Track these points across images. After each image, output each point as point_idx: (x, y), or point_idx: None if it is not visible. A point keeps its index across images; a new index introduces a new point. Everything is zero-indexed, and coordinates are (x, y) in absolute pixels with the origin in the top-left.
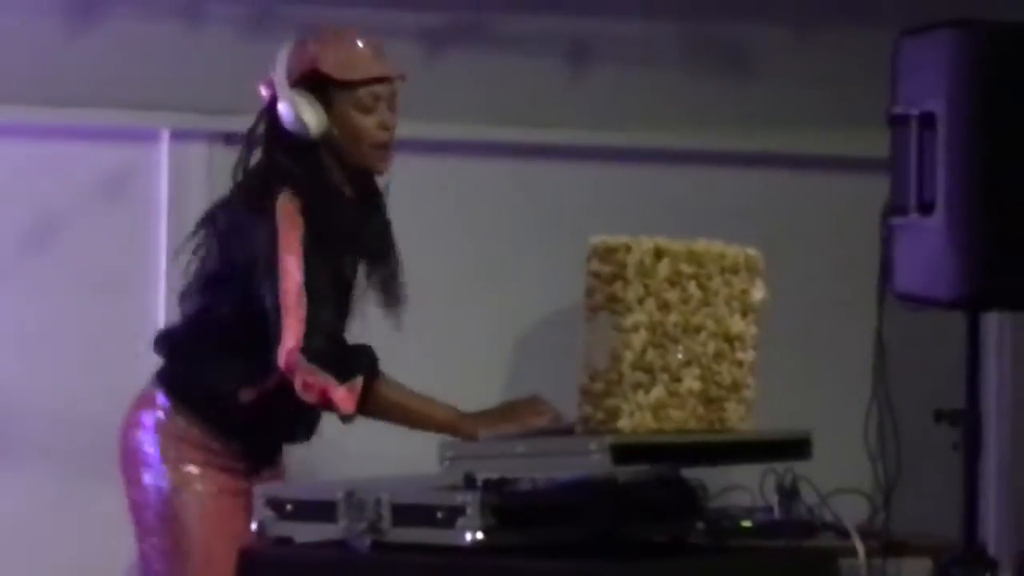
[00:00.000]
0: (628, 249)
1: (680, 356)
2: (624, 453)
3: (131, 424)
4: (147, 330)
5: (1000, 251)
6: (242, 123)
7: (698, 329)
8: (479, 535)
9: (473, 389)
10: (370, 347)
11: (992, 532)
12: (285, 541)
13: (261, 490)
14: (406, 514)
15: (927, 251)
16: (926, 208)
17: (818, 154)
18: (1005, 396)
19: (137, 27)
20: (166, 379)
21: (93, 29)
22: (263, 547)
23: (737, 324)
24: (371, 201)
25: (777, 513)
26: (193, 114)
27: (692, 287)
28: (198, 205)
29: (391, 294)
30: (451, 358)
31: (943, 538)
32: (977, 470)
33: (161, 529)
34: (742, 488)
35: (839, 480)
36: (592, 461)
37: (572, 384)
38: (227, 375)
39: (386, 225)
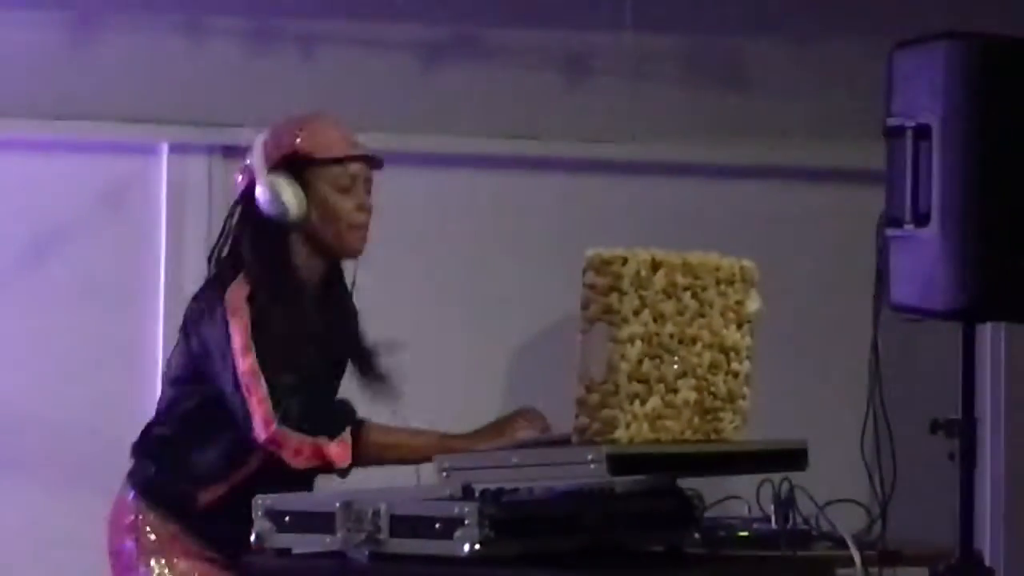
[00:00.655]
0: (624, 261)
1: (676, 367)
2: (621, 463)
3: (112, 529)
4: (146, 342)
5: (995, 262)
6: (241, 137)
7: (694, 340)
8: (477, 546)
9: (469, 401)
10: (344, 400)
11: (988, 541)
12: (284, 552)
13: (259, 501)
14: (404, 525)
15: (922, 262)
16: (921, 220)
17: (813, 166)
18: (1000, 406)
19: (136, 41)
20: (135, 479)
21: (92, 43)
22: (262, 558)
23: (732, 335)
24: (335, 291)
25: (773, 523)
26: (192, 127)
27: (688, 298)
28: (197, 218)
29: (370, 381)
30: (447, 370)
31: (939, 548)
32: (973, 480)
33: None
34: (738, 498)
35: (835, 490)
36: (589, 471)
37: (568, 395)
38: (189, 476)
39: (349, 316)
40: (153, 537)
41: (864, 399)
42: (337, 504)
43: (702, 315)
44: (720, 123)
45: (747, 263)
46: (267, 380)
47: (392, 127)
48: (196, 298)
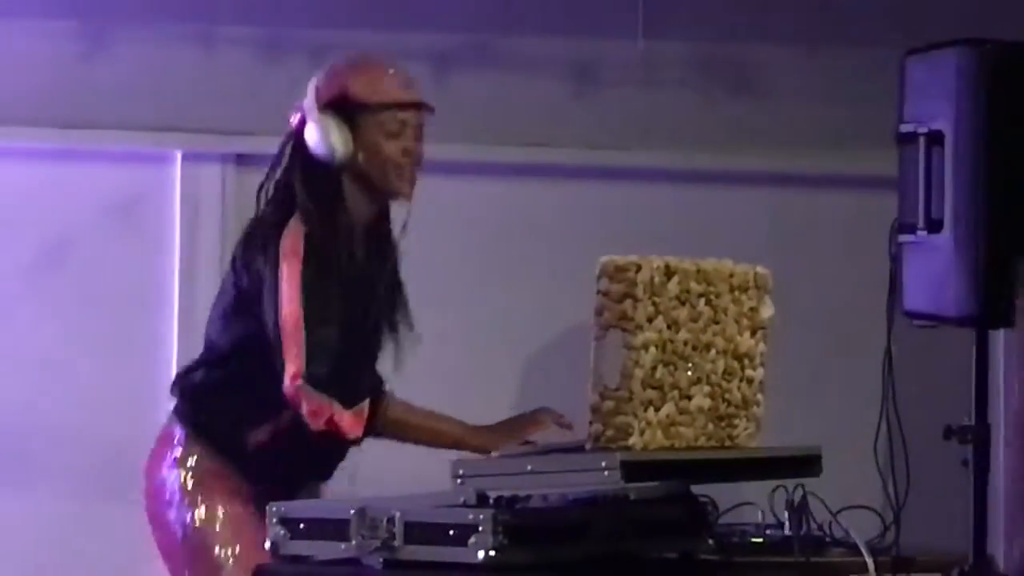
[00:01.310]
0: (638, 268)
1: (690, 374)
2: (635, 470)
3: (152, 463)
4: (160, 350)
5: (1008, 268)
6: (254, 145)
7: (708, 347)
8: (491, 552)
9: (483, 408)
10: (375, 371)
11: (1001, 547)
12: (298, 559)
13: (274, 508)
14: (418, 532)
15: (935, 269)
16: (934, 226)
17: (826, 173)
18: (1013, 412)
19: (149, 50)
20: (182, 415)
21: (105, 53)
22: (277, 566)
23: (746, 342)
24: (382, 231)
25: (787, 529)
26: (205, 136)
27: (701, 305)
28: (210, 226)
29: (395, 328)
30: (461, 378)
31: (953, 554)
32: (987, 486)
33: (193, 565)
34: (751, 504)
35: (849, 496)
36: (603, 478)
37: (583, 402)
38: (238, 415)
39: (393, 260)
40: (199, 474)
41: (877, 405)
42: (351, 511)
43: (716, 322)
44: (731, 130)
45: (761, 270)
46: (308, 332)
47: None
48: (250, 234)
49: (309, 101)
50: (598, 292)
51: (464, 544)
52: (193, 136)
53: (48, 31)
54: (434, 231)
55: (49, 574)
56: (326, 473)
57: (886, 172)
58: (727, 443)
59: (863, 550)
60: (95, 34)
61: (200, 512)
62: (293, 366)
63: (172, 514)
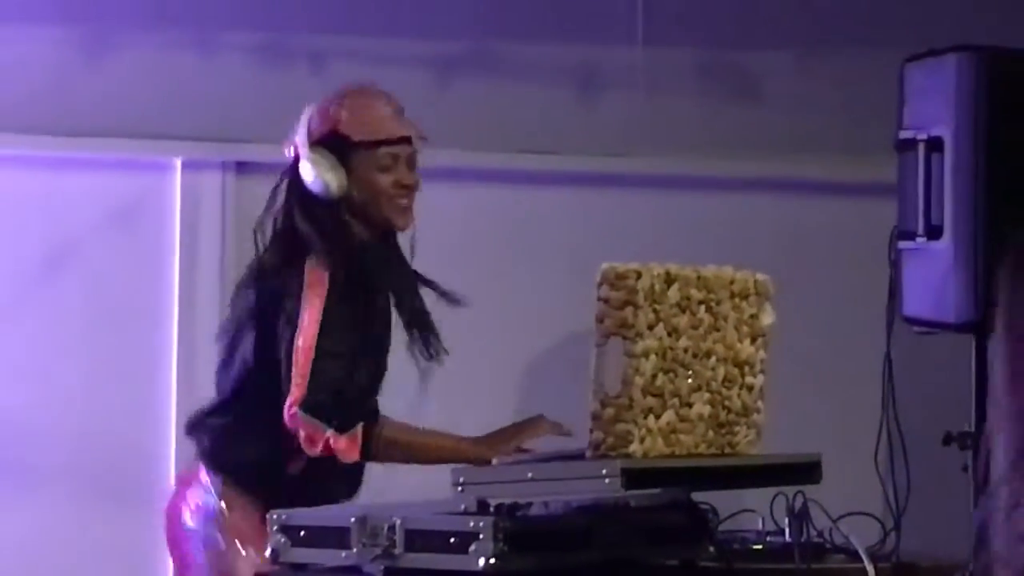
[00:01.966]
0: (638, 275)
1: (690, 381)
2: (635, 477)
3: (178, 506)
4: (160, 357)
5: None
6: (254, 152)
7: (708, 354)
8: (492, 560)
9: (484, 415)
10: (370, 397)
11: None
12: (299, 567)
13: (274, 516)
14: (419, 539)
15: (935, 275)
16: (934, 232)
17: (826, 179)
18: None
19: (149, 57)
20: (210, 457)
21: (105, 60)
22: (278, 573)
23: (747, 349)
24: (393, 251)
25: (787, 536)
26: (205, 143)
27: (702, 312)
28: (210, 234)
29: (424, 331)
30: (462, 385)
31: (954, 560)
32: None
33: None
34: (752, 512)
35: (849, 503)
36: (604, 486)
37: (583, 409)
38: (271, 451)
39: (409, 271)
40: (223, 516)
41: (878, 412)
42: (352, 519)
43: (716, 329)
44: (733, 136)
45: (761, 277)
46: (315, 361)
47: None
48: (259, 272)
49: (301, 137)
50: (598, 299)
51: (465, 552)
52: (193, 144)
53: (48, 38)
54: (435, 238)
55: None
56: (355, 491)
57: (886, 178)
58: (727, 450)
59: (864, 557)
60: (95, 41)
61: (232, 555)
62: (293, 393)
63: (202, 557)
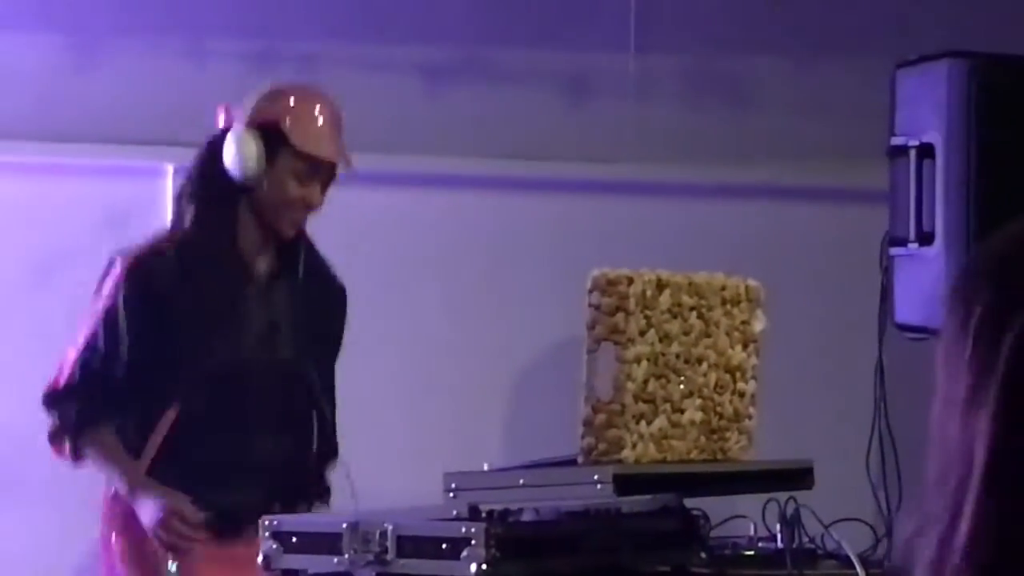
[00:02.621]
0: (630, 281)
1: (682, 387)
2: (627, 483)
3: (104, 520)
4: None
5: None
6: None
7: (699, 360)
8: (484, 566)
9: (476, 420)
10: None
11: None
12: (291, 573)
13: (266, 522)
14: (411, 545)
15: (927, 281)
16: (925, 238)
17: (817, 185)
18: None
19: (140, 64)
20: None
21: (96, 66)
22: None
23: (738, 355)
24: (284, 263)
25: (779, 542)
26: (196, 150)
27: (693, 318)
28: None
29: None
30: (453, 390)
31: None
32: None
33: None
34: (744, 517)
35: (841, 509)
36: (595, 492)
37: (574, 415)
38: (126, 437)
39: (292, 292)
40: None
41: (870, 418)
42: (344, 525)
43: (708, 335)
44: (724, 143)
45: (752, 283)
46: (83, 356)
47: (395, 148)
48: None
49: (241, 115)
50: (590, 305)
51: (457, 558)
52: (184, 150)
53: (38, 45)
54: (425, 244)
55: None
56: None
57: (877, 185)
58: (719, 456)
59: (855, 563)
60: (85, 48)
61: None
62: (56, 377)
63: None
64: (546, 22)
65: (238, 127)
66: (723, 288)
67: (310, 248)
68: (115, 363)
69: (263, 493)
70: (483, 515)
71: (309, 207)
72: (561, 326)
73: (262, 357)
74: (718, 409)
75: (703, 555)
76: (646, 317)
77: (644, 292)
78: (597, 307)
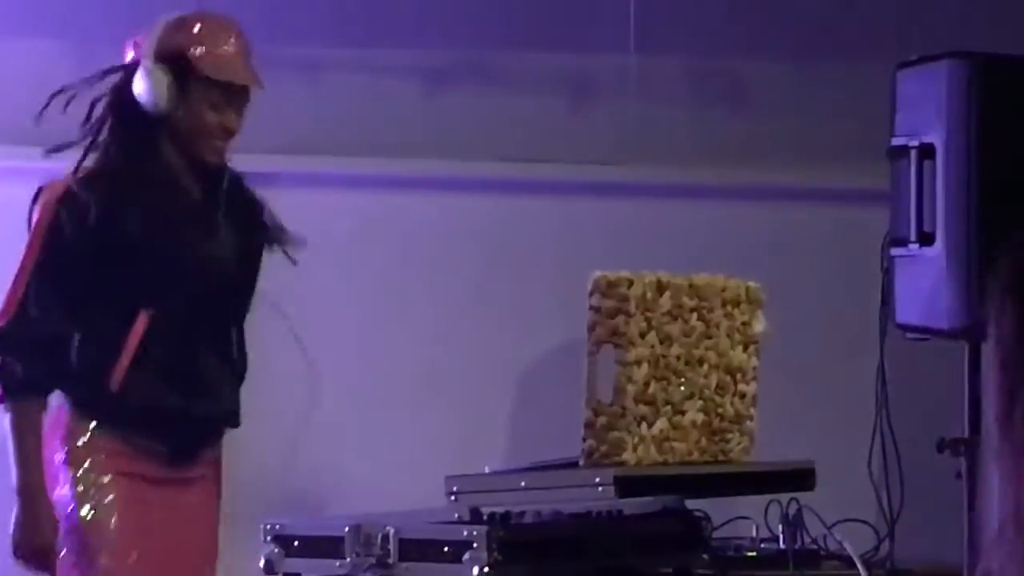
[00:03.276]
0: (630, 283)
1: (683, 389)
2: (629, 485)
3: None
4: None
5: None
6: (248, 162)
7: (700, 362)
8: (486, 569)
9: (477, 424)
10: (47, 365)
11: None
12: None
13: (267, 526)
14: (413, 548)
15: (927, 281)
16: (926, 239)
17: (818, 186)
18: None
19: None
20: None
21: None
22: None
23: (739, 356)
24: (208, 188)
25: (781, 543)
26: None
27: (694, 320)
28: None
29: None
30: (454, 395)
31: (948, 566)
32: None
33: (70, 545)
34: (746, 519)
35: (843, 510)
36: (597, 494)
37: (576, 418)
38: (91, 369)
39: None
40: (79, 449)
41: (871, 419)
42: (346, 528)
43: (708, 337)
44: (725, 144)
45: (753, 284)
46: (19, 308)
47: (397, 152)
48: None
49: (146, 49)
50: (590, 308)
51: (459, 561)
52: None
53: (38, 51)
54: (427, 246)
55: None
56: (204, 412)
57: (878, 186)
58: (721, 458)
59: (858, 563)
60: (87, 52)
61: (83, 494)
62: (6, 308)
63: (56, 492)
64: (547, 24)
65: (146, 61)
66: (724, 290)
67: (232, 172)
68: (66, 284)
69: (228, 403)
70: (485, 518)
71: (228, 133)
72: (562, 328)
73: (215, 270)
74: (719, 410)
75: (705, 556)
76: (647, 319)
77: (645, 294)
78: (598, 309)
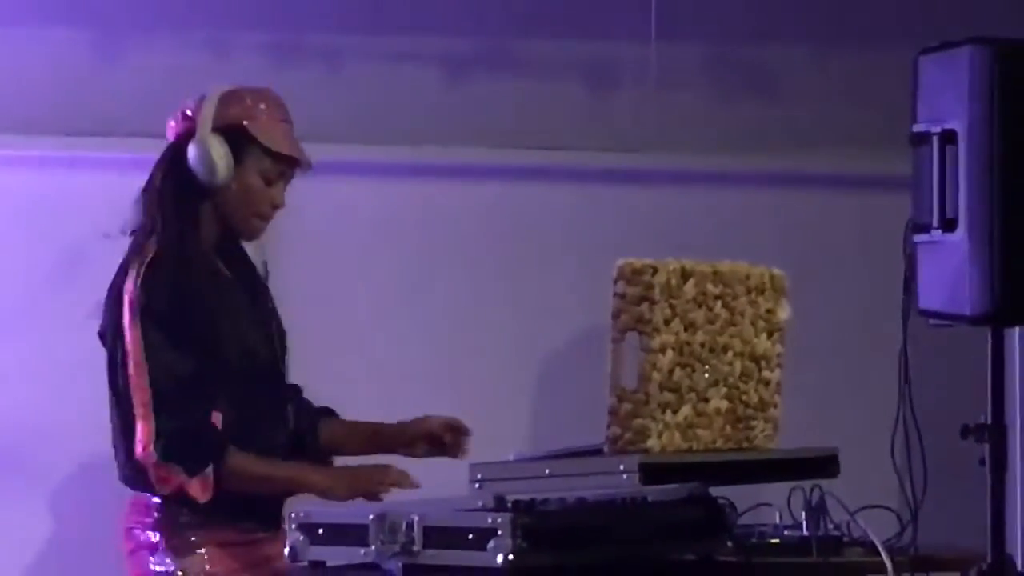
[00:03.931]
0: (655, 271)
1: (707, 376)
2: (653, 472)
3: (128, 523)
4: None
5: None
6: None
7: (725, 349)
8: (511, 556)
9: (501, 412)
10: (215, 430)
11: (1020, 546)
12: (318, 565)
13: (293, 514)
14: (438, 536)
15: (950, 268)
16: (948, 225)
17: (840, 173)
18: None
19: (160, 57)
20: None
21: (116, 60)
22: (296, 572)
23: (763, 343)
24: (239, 268)
25: (805, 530)
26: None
27: (718, 307)
28: None
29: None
30: (478, 381)
31: (971, 553)
32: (1004, 485)
33: None
34: (769, 506)
35: (866, 496)
36: (622, 481)
37: (600, 405)
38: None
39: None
40: (172, 527)
41: (894, 405)
42: (371, 516)
43: (733, 324)
44: (746, 131)
45: (777, 272)
46: (156, 393)
47: (417, 140)
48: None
49: (203, 118)
50: (615, 295)
51: (483, 548)
52: None
53: (58, 39)
54: (449, 235)
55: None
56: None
57: (900, 172)
58: (745, 445)
59: (881, 550)
60: (105, 42)
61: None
62: (143, 433)
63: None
64: (568, 12)
65: (204, 131)
66: (748, 277)
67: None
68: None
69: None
70: (509, 505)
71: (275, 207)
72: (585, 316)
73: (264, 353)
74: (743, 398)
75: (729, 543)
76: (671, 306)
77: (669, 281)
78: (622, 296)
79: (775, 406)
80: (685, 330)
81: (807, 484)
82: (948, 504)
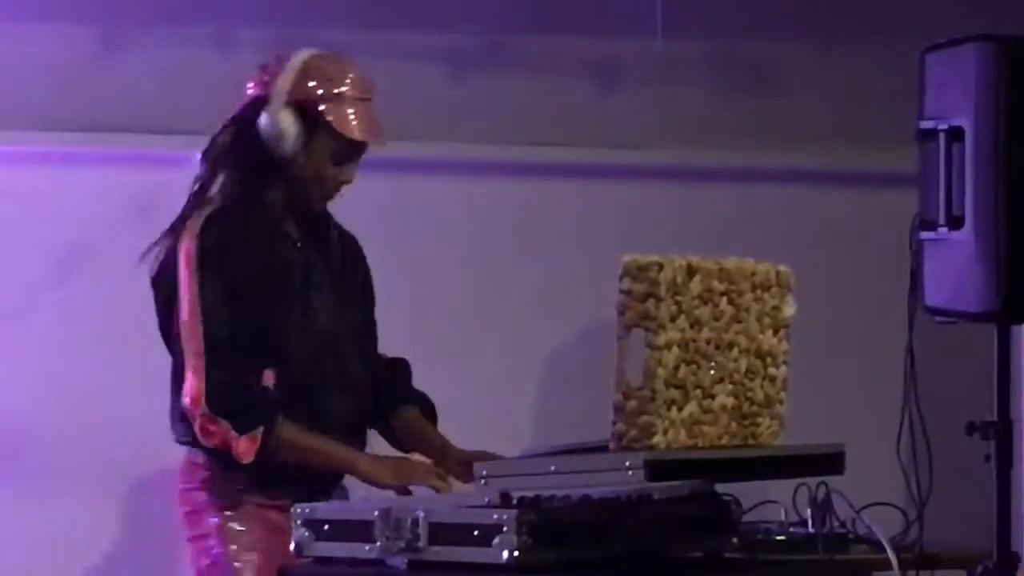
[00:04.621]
0: (660, 267)
1: (713, 372)
2: (659, 469)
3: (182, 487)
4: None
5: None
6: None
7: (730, 345)
8: (516, 552)
9: (506, 408)
10: (273, 393)
11: None
12: (323, 560)
13: (298, 510)
14: (443, 532)
15: (956, 265)
16: (955, 222)
17: (846, 170)
18: None
19: (166, 52)
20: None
21: (122, 55)
22: (301, 567)
23: (769, 340)
24: (307, 229)
25: (811, 527)
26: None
27: (724, 304)
28: None
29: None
30: (482, 378)
31: (977, 550)
32: (1010, 481)
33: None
34: (775, 503)
35: (872, 493)
36: (627, 478)
37: (605, 401)
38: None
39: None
40: (222, 488)
41: (900, 402)
42: (376, 512)
43: (738, 320)
44: (751, 128)
45: (783, 268)
46: (209, 346)
47: (422, 135)
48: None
49: (282, 87)
50: (620, 291)
51: (488, 544)
52: None
53: (63, 35)
54: (453, 231)
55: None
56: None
57: (906, 169)
58: (750, 441)
59: (887, 547)
60: (111, 37)
61: (222, 523)
62: (191, 381)
63: (207, 521)
64: (573, 8)
65: (278, 103)
66: (753, 273)
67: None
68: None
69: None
70: (514, 502)
71: (340, 187)
72: (590, 312)
73: (332, 322)
74: (749, 394)
75: (735, 540)
76: (677, 303)
77: (675, 278)
78: (628, 293)
79: (781, 403)
80: (691, 327)
81: (813, 481)
82: (954, 501)
